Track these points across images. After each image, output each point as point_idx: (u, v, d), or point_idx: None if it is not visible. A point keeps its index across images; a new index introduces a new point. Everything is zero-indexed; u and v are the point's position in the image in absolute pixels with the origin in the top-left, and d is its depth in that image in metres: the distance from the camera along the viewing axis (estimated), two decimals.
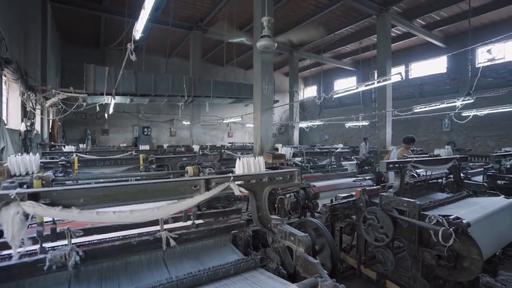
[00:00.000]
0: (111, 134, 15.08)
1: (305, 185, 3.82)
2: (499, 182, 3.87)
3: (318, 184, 4.13)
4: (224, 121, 14.84)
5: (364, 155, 10.12)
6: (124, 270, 1.36)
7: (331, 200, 2.95)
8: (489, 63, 11.63)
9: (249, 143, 14.37)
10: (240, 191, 1.33)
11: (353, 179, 4.73)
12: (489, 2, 9.81)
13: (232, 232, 1.65)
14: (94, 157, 4.42)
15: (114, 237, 1.48)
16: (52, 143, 9.05)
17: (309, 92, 20.79)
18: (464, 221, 2.02)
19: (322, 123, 15.42)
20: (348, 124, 14.86)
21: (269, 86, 7.19)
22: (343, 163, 6.89)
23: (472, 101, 7.68)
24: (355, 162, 7.30)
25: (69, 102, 8.15)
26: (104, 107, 9.91)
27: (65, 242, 1.21)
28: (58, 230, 1.18)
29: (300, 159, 6.15)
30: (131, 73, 9.60)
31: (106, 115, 10.17)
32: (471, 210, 2.47)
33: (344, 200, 2.89)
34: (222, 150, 8.31)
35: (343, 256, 3.11)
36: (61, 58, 13.16)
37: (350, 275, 3.02)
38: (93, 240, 1.41)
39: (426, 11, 10.45)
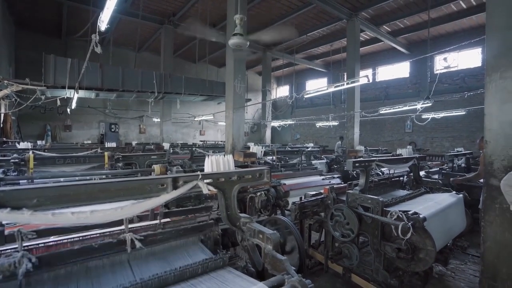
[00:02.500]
0: (74, 131, 14.14)
1: (275, 183, 3.86)
2: (452, 179, 4.21)
3: (288, 182, 4.21)
4: (196, 119, 14.55)
5: (338, 152, 10.30)
6: (84, 275, 1.27)
7: (301, 198, 3.02)
8: (445, 70, 12.63)
9: (222, 141, 14.25)
10: (209, 190, 1.32)
11: (323, 177, 4.88)
12: (445, 14, 10.66)
13: (201, 232, 1.63)
14: (53, 154, 4.11)
15: (74, 237, 1.35)
16: (4, 139, 8.28)
17: (282, 91, 21.08)
18: (421, 216, 2.19)
19: (293, 122, 15.73)
20: (319, 124, 15.31)
21: (241, 85, 7.17)
22: (314, 161, 7.07)
23: (430, 104, 8.28)
24: (325, 161, 7.53)
25: (25, 95, 7.45)
26: (66, 101, 9.24)
27: (15, 245, 1.09)
28: (6, 232, 1.06)
29: (271, 157, 6.21)
30: (97, 66, 9.05)
31: (68, 110, 9.50)
32: (427, 205, 2.67)
33: (313, 198, 2.97)
34: (194, 148, 8.14)
35: (311, 252, 3.19)
36: (15, 47, 12.04)
37: (318, 270, 3.12)
38: (49, 242, 1.28)
39: (391, 18, 11.11)
